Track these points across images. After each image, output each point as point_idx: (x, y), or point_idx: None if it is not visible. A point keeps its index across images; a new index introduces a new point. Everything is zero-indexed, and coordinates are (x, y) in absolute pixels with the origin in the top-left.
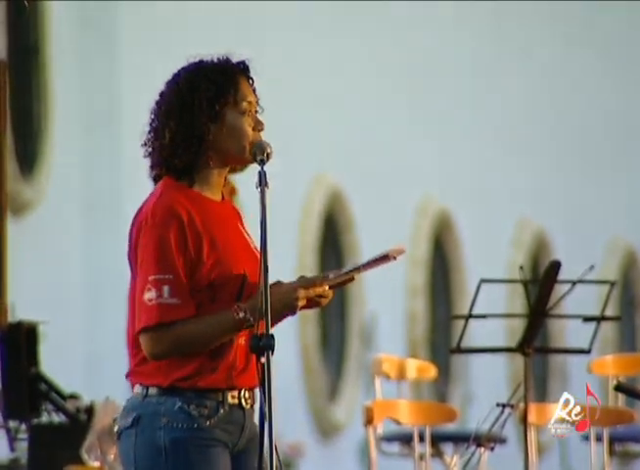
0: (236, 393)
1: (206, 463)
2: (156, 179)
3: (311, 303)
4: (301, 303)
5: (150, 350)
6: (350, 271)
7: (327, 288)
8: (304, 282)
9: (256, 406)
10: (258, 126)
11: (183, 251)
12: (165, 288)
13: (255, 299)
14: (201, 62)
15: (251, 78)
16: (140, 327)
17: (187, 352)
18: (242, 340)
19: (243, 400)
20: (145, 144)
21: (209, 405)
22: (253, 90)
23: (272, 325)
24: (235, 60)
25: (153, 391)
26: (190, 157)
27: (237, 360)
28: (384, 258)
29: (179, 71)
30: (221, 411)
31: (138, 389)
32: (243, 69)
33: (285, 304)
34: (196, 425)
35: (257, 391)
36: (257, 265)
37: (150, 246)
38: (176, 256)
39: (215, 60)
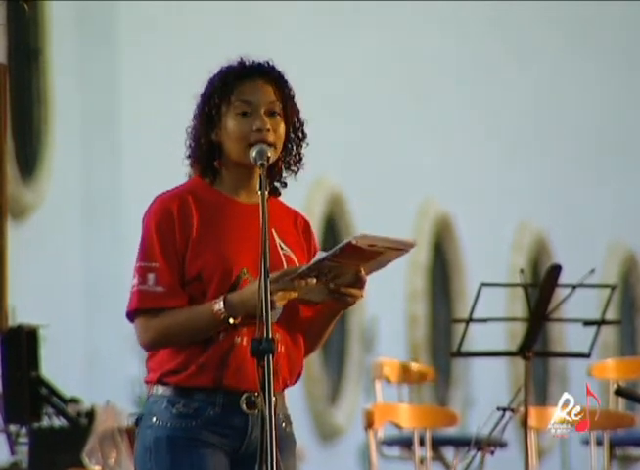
0: (233, 396)
1: (188, 462)
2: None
3: (341, 303)
4: (279, 296)
5: (138, 337)
6: (319, 262)
7: (314, 281)
8: (274, 276)
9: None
10: (256, 125)
11: (171, 241)
12: (151, 276)
13: (239, 294)
14: (225, 65)
15: (270, 80)
16: (125, 313)
17: (173, 341)
18: (240, 340)
19: (243, 405)
20: None
21: (196, 406)
22: (280, 93)
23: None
24: (252, 61)
25: (154, 390)
26: (199, 157)
27: (230, 360)
28: (349, 246)
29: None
30: (210, 413)
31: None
32: (254, 69)
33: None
34: (178, 424)
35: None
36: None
37: (141, 235)
38: (163, 245)
39: (232, 62)
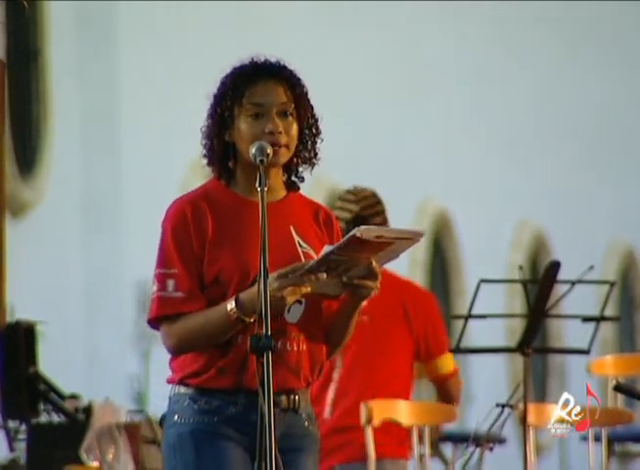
0: (255, 395)
1: (211, 455)
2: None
3: (356, 295)
4: (289, 291)
5: (164, 343)
6: (326, 256)
7: (324, 275)
8: (282, 271)
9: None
10: (268, 127)
11: (189, 246)
12: (170, 282)
13: (249, 292)
14: (237, 65)
15: (282, 80)
16: (146, 320)
17: (195, 345)
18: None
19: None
20: None
21: (218, 404)
22: (292, 92)
23: (272, 320)
24: (263, 61)
25: (175, 390)
26: (213, 157)
27: (249, 363)
28: (354, 239)
29: None
30: (232, 410)
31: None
32: (265, 70)
33: None
34: (201, 419)
35: (301, 393)
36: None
37: (159, 242)
38: (181, 250)
39: (243, 62)
